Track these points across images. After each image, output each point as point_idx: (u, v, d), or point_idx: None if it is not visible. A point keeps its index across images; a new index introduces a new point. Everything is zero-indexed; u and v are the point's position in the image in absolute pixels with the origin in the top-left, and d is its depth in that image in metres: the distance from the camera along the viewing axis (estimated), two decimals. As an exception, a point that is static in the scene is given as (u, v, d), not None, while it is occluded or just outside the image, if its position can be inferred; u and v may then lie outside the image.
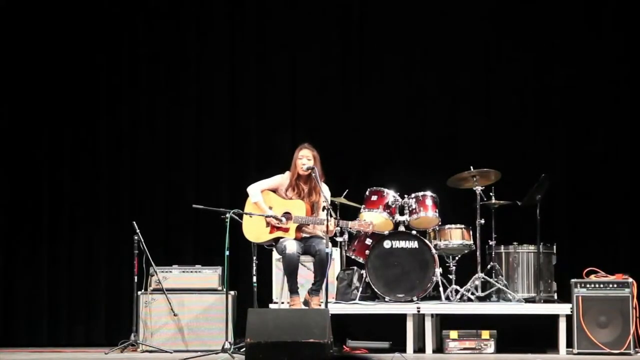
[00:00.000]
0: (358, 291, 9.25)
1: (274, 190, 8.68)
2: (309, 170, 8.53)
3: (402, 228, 9.37)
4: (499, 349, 8.92)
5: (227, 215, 8.51)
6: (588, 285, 8.83)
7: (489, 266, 9.35)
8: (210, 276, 9.43)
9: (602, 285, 8.82)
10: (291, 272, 8.40)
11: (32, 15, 10.43)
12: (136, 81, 10.47)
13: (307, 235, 8.58)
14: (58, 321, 10.26)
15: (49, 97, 10.42)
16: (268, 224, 8.55)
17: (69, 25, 10.44)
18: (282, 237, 8.50)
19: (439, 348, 9.09)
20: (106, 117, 10.45)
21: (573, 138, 10.12)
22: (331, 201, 8.63)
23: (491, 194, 9.38)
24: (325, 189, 8.52)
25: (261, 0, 10.51)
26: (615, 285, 8.81)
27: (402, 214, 9.43)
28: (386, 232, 9.31)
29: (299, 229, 8.53)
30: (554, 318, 8.97)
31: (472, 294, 9.25)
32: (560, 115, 10.18)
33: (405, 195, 9.47)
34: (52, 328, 10.25)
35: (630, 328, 8.72)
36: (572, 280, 8.88)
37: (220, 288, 9.32)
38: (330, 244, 8.26)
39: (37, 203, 10.36)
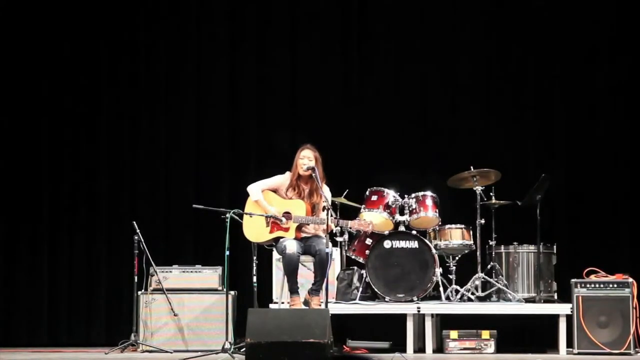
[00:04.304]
0: (358, 291, 9.24)
1: (275, 191, 8.67)
2: (309, 171, 8.51)
3: (402, 228, 9.37)
4: (499, 349, 8.91)
5: (227, 215, 8.51)
6: (588, 285, 8.83)
7: (489, 266, 9.35)
8: (210, 276, 9.42)
9: (602, 285, 8.82)
10: (291, 272, 8.39)
11: (30, 15, 10.45)
12: (136, 81, 10.47)
13: (308, 235, 8.57)
14: (58, 321, 10.27)
15: (47, 96, 10.42)
16: (268, 223, 8.54)
17: (68, 25, 10.45)
18: (282, 237, 8.50)
19: (439, 348, 9.08)
20: (106, 117, 10.46)
21: (573, 138, 10.12)
22: (332, 202, 8.62)
23: (491, 194, 9.38)
24: (326, 191, 8.52)
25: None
26: (615, 285, 8.81)
27: (402, 214, 9.42)
28: (386, 232, 9.31)
29: (299, 228, 8.52)
30: (554, 318, 8.96)
31: (472, 294, 9.24)
32: (560, 115, 10.18)
33: (405, 195, 9.47)
34: (52, 328, 10.25)
35: (630, 328, 8.72)
36: (572, 280, 8.87)
37: (220, 288, 9.31)
38: (330, 244, 8.25)
39: (38, 203, 10.36)
